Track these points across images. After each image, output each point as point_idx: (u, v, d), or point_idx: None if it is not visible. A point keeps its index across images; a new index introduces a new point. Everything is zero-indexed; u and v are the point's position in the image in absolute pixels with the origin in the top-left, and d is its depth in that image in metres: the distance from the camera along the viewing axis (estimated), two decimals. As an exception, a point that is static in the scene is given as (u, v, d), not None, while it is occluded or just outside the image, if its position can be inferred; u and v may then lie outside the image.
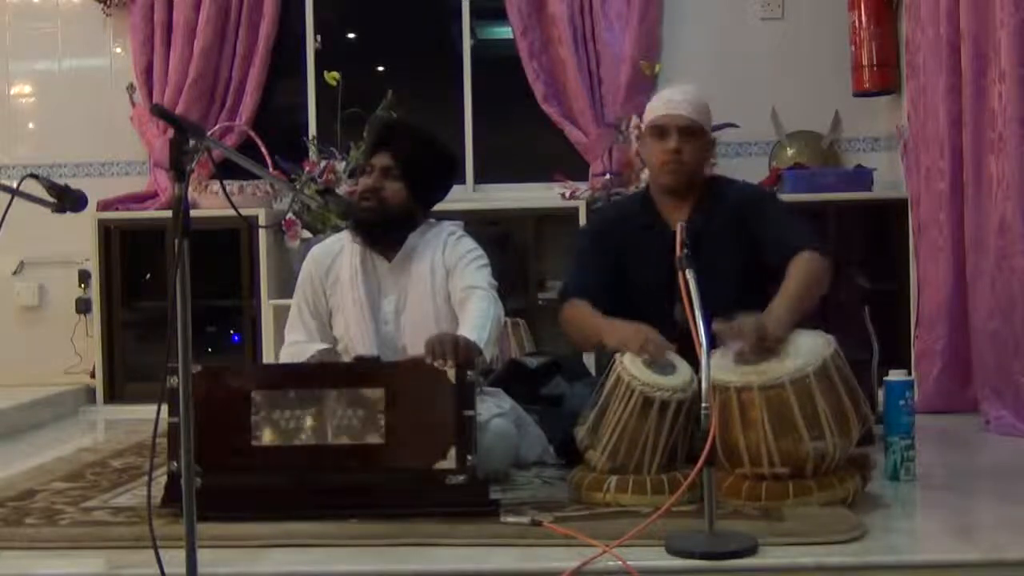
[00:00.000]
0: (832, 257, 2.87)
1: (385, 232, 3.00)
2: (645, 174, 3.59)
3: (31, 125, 5.33)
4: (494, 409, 2.88)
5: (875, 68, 4.75)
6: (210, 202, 4.74)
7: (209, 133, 2.11)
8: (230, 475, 2.50)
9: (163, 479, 2.54)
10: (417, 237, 3.03)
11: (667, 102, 3.02)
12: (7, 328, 5.20)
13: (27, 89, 5.34)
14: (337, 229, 3.99)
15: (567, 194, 4.84)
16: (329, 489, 2.49)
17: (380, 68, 5.53)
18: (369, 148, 3.05)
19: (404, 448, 2.50)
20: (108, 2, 5.14)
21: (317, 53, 5.17)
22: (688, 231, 2.88)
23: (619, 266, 3.04)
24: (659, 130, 2.99)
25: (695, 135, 2.99)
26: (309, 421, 2.52)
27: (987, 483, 2.99)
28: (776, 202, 3.20)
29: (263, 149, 4.65)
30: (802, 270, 2.78)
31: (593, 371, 3.60)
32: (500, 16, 5.09)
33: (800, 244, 2.84)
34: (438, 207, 3.15)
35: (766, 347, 2.53)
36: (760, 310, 2.65)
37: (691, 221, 2.88)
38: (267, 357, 4.53)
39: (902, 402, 2.76)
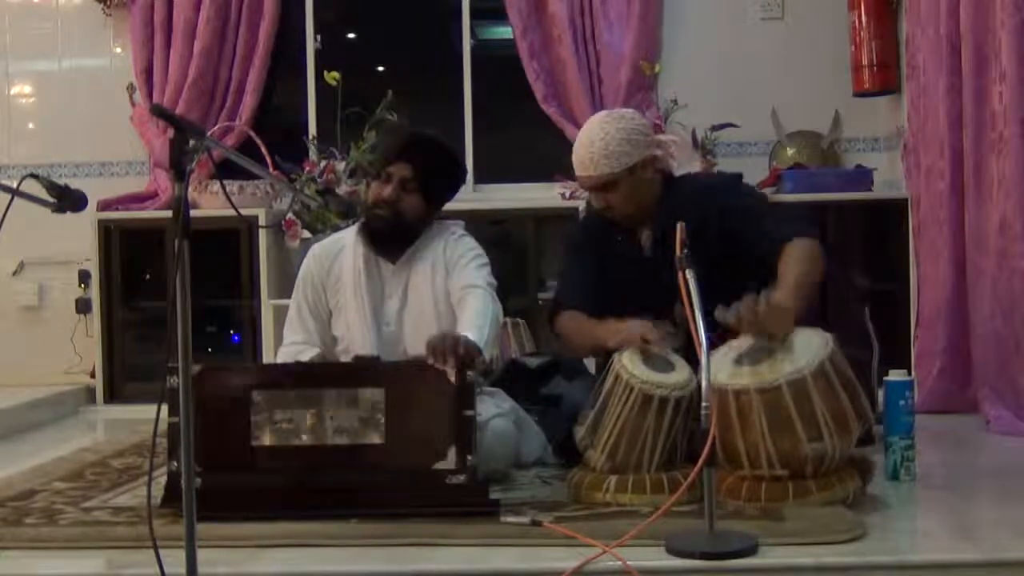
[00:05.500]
0: (820, 239, 2.82)
1: (395, 239, 3.00)
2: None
3: (31, 125, 5.34)
4: (494, 409, 2.88)
5: (875, 68, 4.75)
6: (210, 202, 4.75)
7: (209, 133, 2.11)
8: (230, 475, 2.50)
9: (163, 479, 2.54)
10: (422, 239, 3.04)
11: (576, 163, 2.97)
12: (7, 328, 5.20)
13: (27, 89, 5.34)
14: (337, 229, 3.99)
15: (567, 194, 4.84)
16: (329, 489, 2.49)
17: (380, 68, 5.54)
18: (389, 154, 3.01)
19: (404, 448, 2.50)
20: (108, 2, 5.15)
21: (317, 53, 5.18)
22: (654, 236, 2.89)
23: (603, 278, 3.03)
24: (589, 189, 2.98)
25: (614, 184, 2.94)
26: (309, 421, 2.52)
27: (987, 483, 2.99)
28: (748, 193, 3.12)
29: (263, 149, 4.65)
30: (795, 256, 2.73)
31: (592, 371, 3.59)
32: (500, 16, 5.09)
33: (788, 234, 2.79)
34: (438, 207, 3.16)
35: (766, 329, 2.51)
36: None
37: (656, 227, 2.92)
38: (267, 357, 4.53)
39: (902, 402, 2.76)
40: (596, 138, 2.92)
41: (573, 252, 3.18)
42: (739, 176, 3.19)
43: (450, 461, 2.48)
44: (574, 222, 3.57)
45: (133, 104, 5.18)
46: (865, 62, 4.77)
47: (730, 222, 2.91)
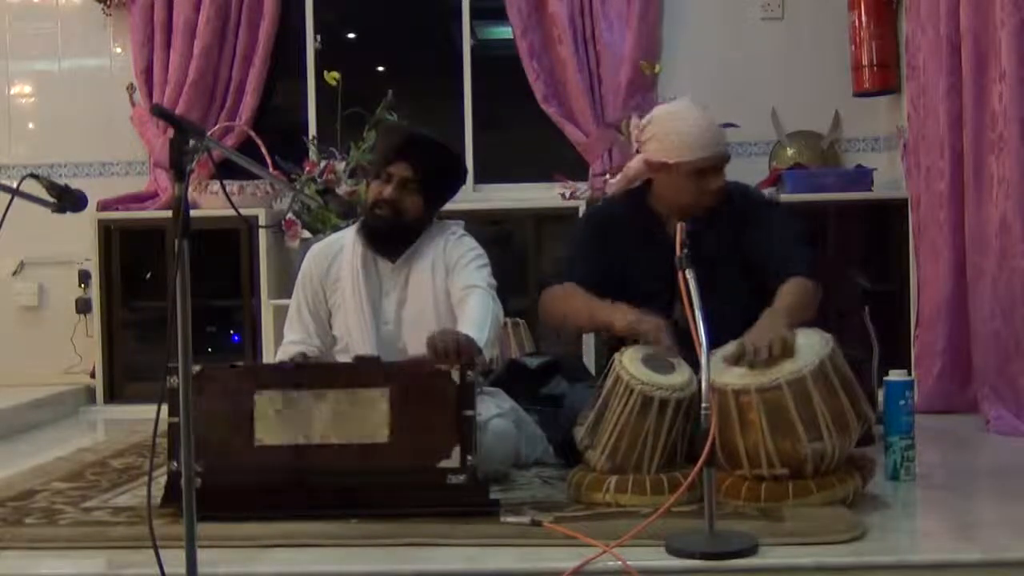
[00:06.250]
0: (818, 281, 2.86)
1: (395, 239, 3.00)
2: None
3: (31, 125, 5.33)
4: (494, 409, 2.88)
5: (875, 68, 4.75)
6: (210, 202, 4.74)
7: (209, 133, 2.11)
8: (230, 475, 2.50)
9: (163, 479, 2.54)
10: (422, 238, 3.03)
11: (702, 144, 2.91)
12: (7, 328, 5.20)
13: (27, 89, 5.33)
14: (337, 229, 3.99)
15: (567, 194, 4.84)
16: (330, 489, 2.49)
17: (380, 68, 5.54)
18: (388, 154, 3.00)
19: (404, 448, 2.50)
20: (108, 2, 5.14)
21: (317, 53, 5.17)
22: (691, 234, 2.88)
23: (616, 268, 3.01)
24: (704, 172, 2.93)
25: (726, 163, 3.00)
26: (309, 421, 2.52)
27: (987, 483, 3.00)
28: (778, 212, 3.14)
29: (263, 149, 4.65)
30: (792, 293, 2.77)
31: (593, 371, 3.59)
32: (500, 16, 5.09)
33: (793, 270, 2.83)
34: (439, 207, 3.16)
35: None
36: (756, 310, 2.66)
37: (695, 223, 2.90)
38: (267, 357, 4.52)
39: (902, 402, 2.76)
40: (709, 119, 2.95)
41: (591, 235, 3.12)
42: (775, 199, 3.23)
43: (451, 461, 2.48)
44: (598, 206, 3.46)
45: (133, 104, 5.17)
46: (865, 62, 4.76)
47: (757, 237, 2.95)
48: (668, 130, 2.93)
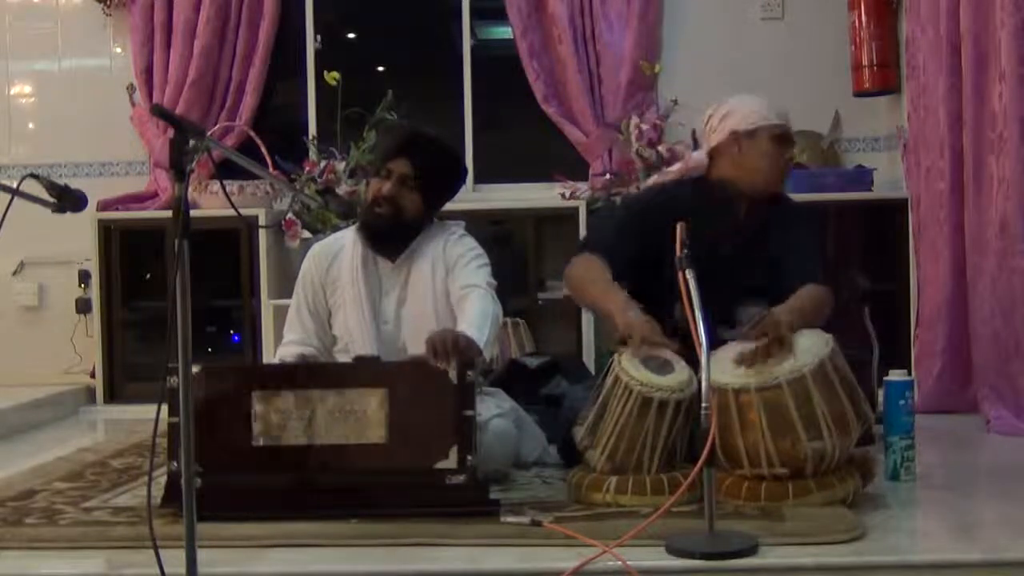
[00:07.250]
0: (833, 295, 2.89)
1: (394, 237, 3.00)
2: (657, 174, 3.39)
3: (31, 125, 5.33)
4: (494, 409, 2.88)
5: (875, 68, 4.75)
6: (210, 202, 4.74)
7: (209, 133, 2.11)
8: (230, 475, 2.50)
9: (163, 479, 2.54)
10: (421, 238, 3.03)
11: (778, 113, 3.02)
12: (7, 328, 5.20)
13: (27, 89, 5.34)
14: (337, 229, 4.00)
15: (567, 194, 4.84)
16: (329, 489, 2.49)
17: (380, 68, 5.54)
18: (388, 152, 3.00)
19: (404, 448, 2.50)
20: (108, 2, 5.14)
21: (317, 53, 5.18)
22: (746, 228, 2.91)
23: (651, 255, 2.87)
24: (779, 139, 2.99)
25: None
26: (309, 421, 2.52)
27: (987, 483, 3.00)
28: (811, 222, 3.13)
29: (263, 149, 4.65)
30: (809, 294, 2.78)
31: (593, 371, 3.59)
32: (500, 16, 5.09)
33: (809, 277, 2.84)
34: (439, 207, 3.15)
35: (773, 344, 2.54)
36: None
37: (749, 218, 2.96)
38: (267, 357, 4.53)
39: (902, 402, 2.76)
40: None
41: (640, 216, 3.03)
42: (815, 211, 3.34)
43: (450, 461, 2.48)
44: (657, 189, 3.34)
45: (133, 104, 5.18)
46: (865, 62, 4.76)
47: (786, 238, 2.96)
48: (741, 103, 3.02)
